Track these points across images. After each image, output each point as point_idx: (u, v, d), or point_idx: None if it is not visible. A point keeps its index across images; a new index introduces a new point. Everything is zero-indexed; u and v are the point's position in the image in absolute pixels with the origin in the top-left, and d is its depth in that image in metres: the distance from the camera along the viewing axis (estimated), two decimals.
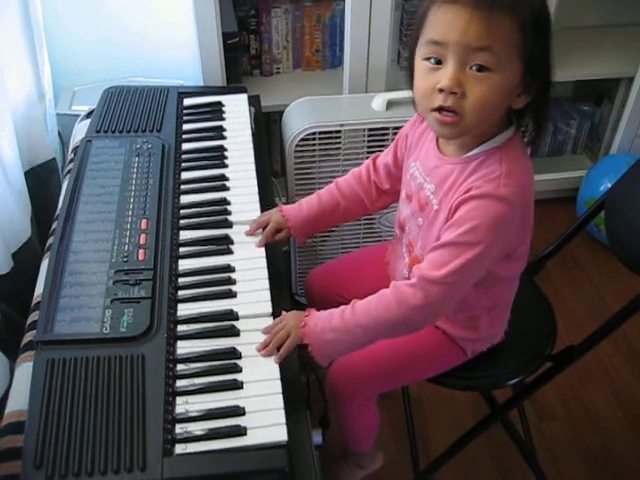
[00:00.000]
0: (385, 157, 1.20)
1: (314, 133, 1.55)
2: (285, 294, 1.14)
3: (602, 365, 1.76)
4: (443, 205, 0.99)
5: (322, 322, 1.01)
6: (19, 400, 0.93)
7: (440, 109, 0.91)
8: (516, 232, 0.99)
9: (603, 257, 2.03)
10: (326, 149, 1.58)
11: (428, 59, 0.91)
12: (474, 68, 0.88)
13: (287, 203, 1.25)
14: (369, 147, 1.60)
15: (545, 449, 1.57)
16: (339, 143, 1.58)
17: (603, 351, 1.78)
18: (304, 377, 1.25)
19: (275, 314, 1.03)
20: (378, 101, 1.58)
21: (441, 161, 1.02)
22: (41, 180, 1.53)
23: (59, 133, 1.71)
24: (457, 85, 0.88)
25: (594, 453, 1.59)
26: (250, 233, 1.15)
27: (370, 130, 1.56)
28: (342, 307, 1.01)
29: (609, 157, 2.13)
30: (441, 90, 0.90)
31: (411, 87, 1.01)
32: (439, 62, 0.90)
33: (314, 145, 1.57)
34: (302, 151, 1.57)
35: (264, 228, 1.17)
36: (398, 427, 1.58)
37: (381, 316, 0.98)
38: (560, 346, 1.19)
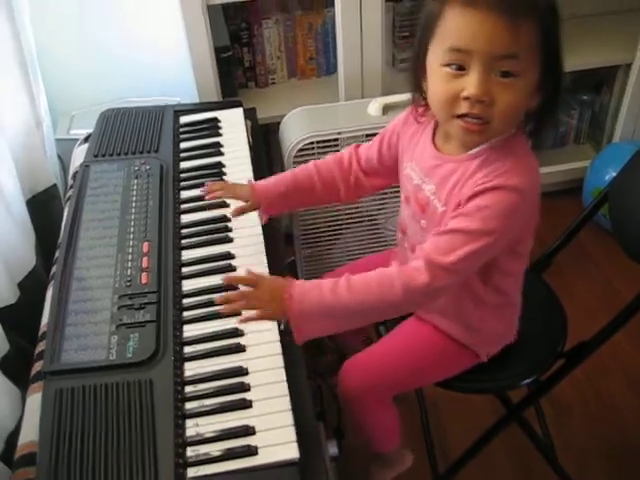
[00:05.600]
0: (368, 150, 1.17)
1: (312, 143, 1.55)
2: None
3: (617, 356, 1.74)
4: (449, 204, 0.98)
5: (310, 296, 0.93)
6: (31, 431, 0.93)
7: (465, 115, 0.90)
8: (524, 224, 0.98)
9: (612, 246, 1.99)
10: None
11: (448, 65, 0.89)
12: (499, 74, 0.87)
13: (289, 215, 1.25)
14: None
15: (564, 444, 1.55)
16: (338, 151, 1.57)
17: (617, 342, 1.76)
18: (316, 389, 1.24)
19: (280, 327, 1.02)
20: (374, 106, 1.58)
21: (441, 160, 1.00)
22: (43, 207, 1.53)
23: (60, 158, 1.72)
24: (485, 93, 0.87)
25: (613, 445, 1.57)
26: (207, 190, 1.16)
27: (367, 136, 1.56)
28: (333, 280, 0.94)
29: (612, 145, 2.11)
30: (467, 98, 0.88)
31: (416, 90, 1.00)
32: (461, 68, 0.88)
33: (313, 154, 1.57)
34: (301, 161, 1.57)
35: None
36: (414, 430, 1.57)
37: (383, 297, 0.93)
38: (575, 340, 1.18)
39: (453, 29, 0.88)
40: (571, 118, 2.20)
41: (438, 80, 0.92)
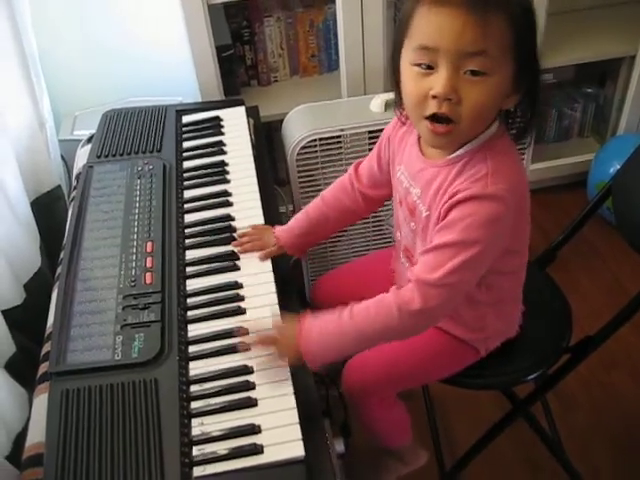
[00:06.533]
0: (369, 162, 1.17)
1: (314, 140, 1.54)
2: (295, 304, 1.14)
3: (621, 348, 1.74)
4: (432, 210, 0.97)
5: (317, 327, 0.98)
6: (38, 432, 0.93)
7: (433, 117, 0.89)
8: (510, 228, 0.96)
9: (617, 240, 1.98)
10: (328, 154, 1.58)
11: (418, 65, 0.88)
12: (468, 72, 0.86)
13: (293, 212, 1.25)
14: (371, 149, 1.58)
15: (571, 438, 1.55)
16: (340, 147, 1.58)
17: (622, 334, 1.75)
18: (322, 387, 1.24)
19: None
20: (376, 102, 1.57)
21: (424, 164, 1.00)
22: (48, 208, 1.54)
23: (64, 159, 1.73)
24: (452, 91, 0.86)
25: (620, 439, 1.57)
26: (237, 243, 1.15)
27: (370, 132, 1.56)
28: (338, 311, 0.98)
29: (617, 138, 2.11)
30: (435, 97, 0.87)
31: (396, 91, 0.98)
32: (430, 67, 0.87)
33: (315, 152, 1.57)
34: (304, 159, 1.57)
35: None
36: (421, 426, 1.57)
37: (381, 321, 0.95)
38: (580, 334, 1.17)
39: (422, 27, 0.87)
40: (575, 111, 2.19)
41: (408, 80, 0.91)
